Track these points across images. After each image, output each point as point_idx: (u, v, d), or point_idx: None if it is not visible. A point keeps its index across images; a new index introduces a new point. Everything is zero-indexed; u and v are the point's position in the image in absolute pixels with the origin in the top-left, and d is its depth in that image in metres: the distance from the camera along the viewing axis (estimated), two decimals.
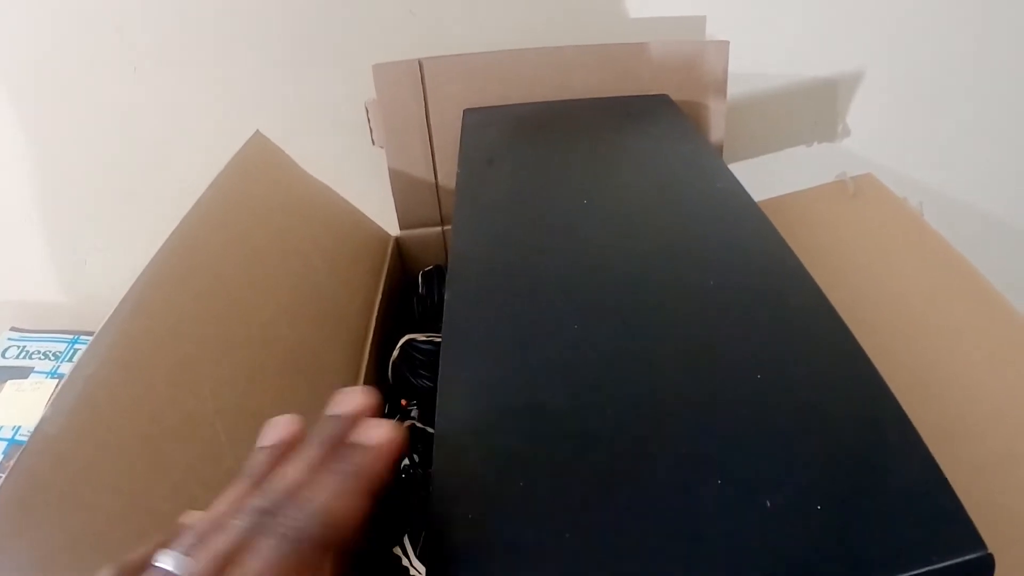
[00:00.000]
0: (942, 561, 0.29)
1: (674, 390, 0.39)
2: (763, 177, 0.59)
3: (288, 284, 0.63)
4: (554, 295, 0.47)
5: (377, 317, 0.70)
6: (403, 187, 0.81)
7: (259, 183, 0.69)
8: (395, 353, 0.67)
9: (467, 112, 0.75)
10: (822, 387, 0.39)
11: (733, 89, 0.80)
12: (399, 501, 0.60)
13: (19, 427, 0.84)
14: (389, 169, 0.80)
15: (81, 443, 0.42)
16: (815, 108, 0.96)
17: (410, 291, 0.82)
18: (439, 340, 0.68)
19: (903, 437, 0.35)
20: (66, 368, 0.91)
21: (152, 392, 0.47)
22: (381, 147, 0.80)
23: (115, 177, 0.93)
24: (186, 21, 0.83)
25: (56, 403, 0.42)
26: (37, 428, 0.40)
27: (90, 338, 0.89)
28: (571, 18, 0.84)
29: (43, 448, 0.40)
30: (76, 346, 0.94)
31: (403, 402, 0.65)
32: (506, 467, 0.35)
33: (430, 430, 0.66)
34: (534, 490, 0.34)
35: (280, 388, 0.56)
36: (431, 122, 0.78)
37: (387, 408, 0.68)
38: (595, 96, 0.77)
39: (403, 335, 0.71)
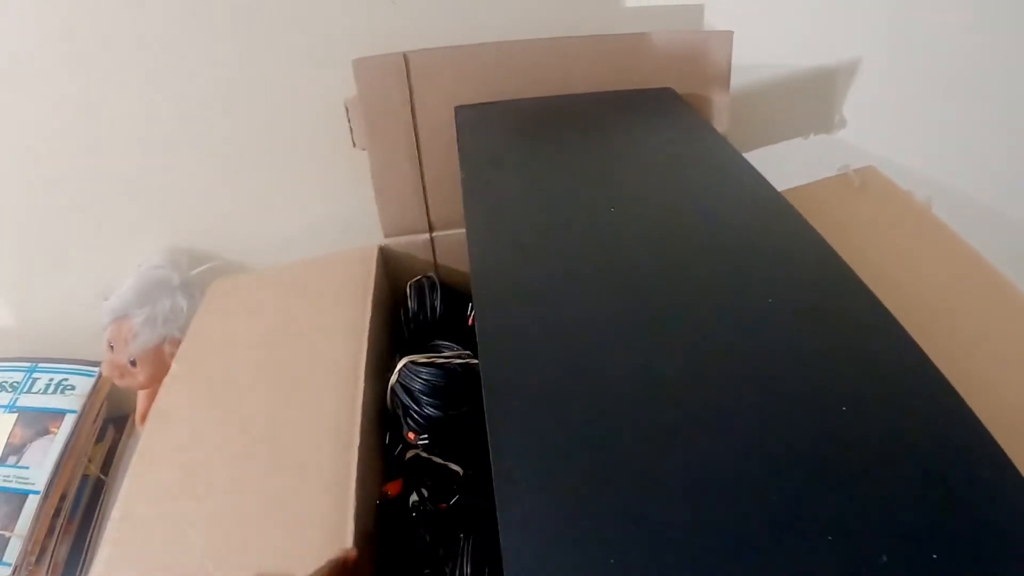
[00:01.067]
0: None
1: (723, 395, 0.36)
2: (763, 171, 0.56)
3: (267, 373, 0.62)
4: (600, 317, 0.42)
5: (368, 338, 0.64)
6: (387, 192, 0.75)
7: (225, 328, 0.69)
8: (393, 376, 0.62)
9: (459, 110, 0.70)
10: (907, 417, 0.35)
11: (732, 80, 0.76)
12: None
13: None
14: (372, 172, 0.74)
15: None
16: (813, 99, 0.93)
17: (399, 303, 0.76)
18: (442, 362, 0.63)
19: (999, 471, 0.32)
20: (25, 400, 0.84)
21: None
22: (363, 149, 0.74)
23: (67, 195, 0.85)
24: (140, 17, 0.76)
25: None
26: None
27: (48, 364, 0.84)
28: (564, 6, 0.79)
29: None
30: (34, 375, 0.87)
31: (411, 436, 0.59)
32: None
33: (437, 460, 0.61)
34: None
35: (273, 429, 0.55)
36: (417, 121, 0.72)
37: (387, 438, 0.63)
38: (594, 90, 0.72)
39: (396, 352, 0.66)
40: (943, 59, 0.92)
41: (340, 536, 0.48)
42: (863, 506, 0.30)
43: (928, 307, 0.60)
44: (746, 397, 0.36)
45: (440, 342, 0.66)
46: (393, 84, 0.70)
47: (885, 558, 0.28)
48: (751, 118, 0.89)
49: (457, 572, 0.52)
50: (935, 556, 0.28)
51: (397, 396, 0.62)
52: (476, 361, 0.61)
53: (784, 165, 0.64)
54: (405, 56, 0.69)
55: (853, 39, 0.90)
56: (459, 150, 0.64)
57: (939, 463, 0.32)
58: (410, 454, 0.61)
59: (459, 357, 0.63)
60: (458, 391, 0.61)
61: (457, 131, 0.67)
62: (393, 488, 0.58)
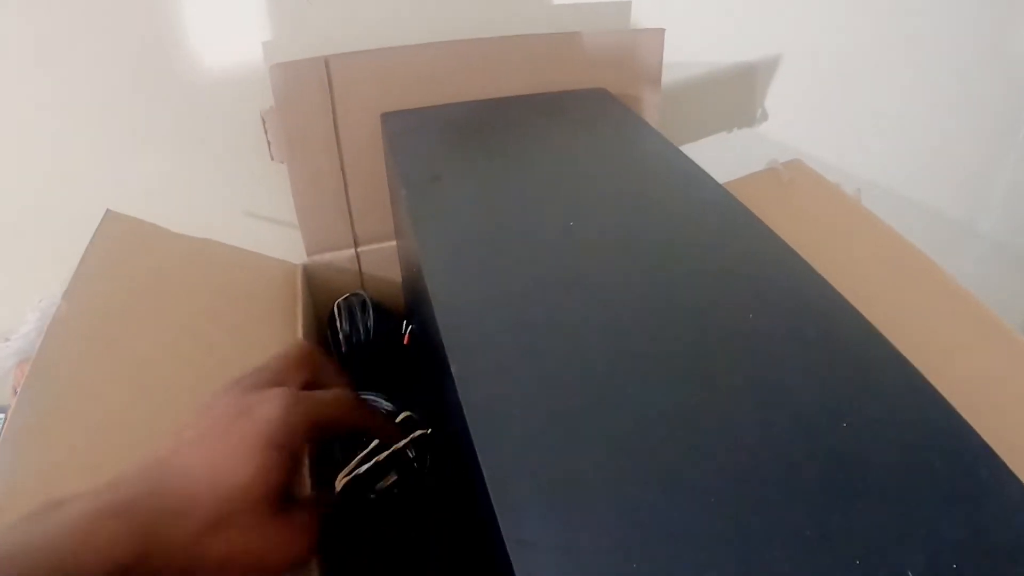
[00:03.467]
0: None
1: (770, 455, 0.33)
2: None
3: (184, 375, 0.52)
4: (578, 347, 0.38)
5: None
6: (309, 206, 0.69)
7: (121, 271, 0.57)
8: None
9: (386, 117, 0.65)
10: (907, 430, 0.34)
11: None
12: None
13: None
14: (292, 187, 0.68)
15: None
16: (736, 95, 0.93)
17: (324, 325, 0.71)
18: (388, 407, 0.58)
19: (999, 477, 0.32)
20: None
21: None
22: (282, 162, 0.68)
23: None
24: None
25: None
26: None
27: None
28: (491, 5, 0.75)
29: None
30: None
31: None
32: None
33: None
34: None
35: None
36: (339, 130, 0.67)
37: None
38: (525, 91, 0.69)
39: None
40: (861, 52, 0.94)
41: None
42: (880, 522, 0.29)
43: (858, 294, 0.61)
44: (738, 405, 0.35)
45: (376, 404, 0.59)
46: (313, 91, 0.65)
47: (911, 574, 0.27)
48: (678, 114, 0.88)
49: None
50: (954, 566, 0.28)
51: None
52: (421, 433, 0.56)
53: (712, 160, 0.62)
54: (326, 61, 0.64)
55: (774, 34, 0.90)
56: (391, 162, 0.59)
57: (947, 476, 0.32)
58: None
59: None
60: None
61: (386, 141, 0.62)
62: None
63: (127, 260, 0.58)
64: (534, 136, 0.62)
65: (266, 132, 0.66)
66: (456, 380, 0.36)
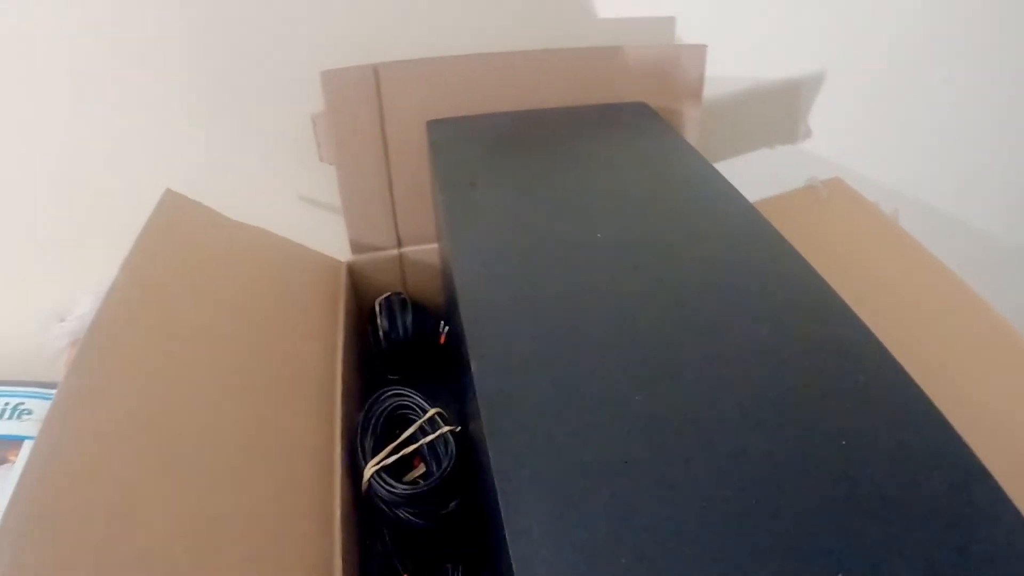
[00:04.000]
0: None
1: (707, 401, 0.36)
2: (730, 181, 0.56)
3: (232, 352, 0.54)
4: (578, 316, 0.42)
5: (343, 362, 0.61)
6: (355, 207, 0.72)
7: (178, 251, 0.58)
8: (364, 485, 0.56)
9: (431, 124, 0.67)
10: (908, 453, 0.35)
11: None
12: None
13: None
14: (340, 188, 0.71)
15: None
16: (779, 112, 0.94)
17: (366, 321, 0.73)
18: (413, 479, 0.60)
19: (993, 498, 0.33)
20: None
21: (87, 539, 0.37)
22: (330, 164, 0.71)
23: (22, 214, 0.80)
24: (103, 29, 0.72)
25: None
26: None
27: (5, 388, 0.79)
28: (537, 18, 0.77)
29: None
30: None
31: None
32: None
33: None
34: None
35: (241, 482, 0.47)
36: (387, 135, 0.69)
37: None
38: (565, 103, 0.71)
39: (371, 380, 0.63)
40: (906, 71, 0.94)
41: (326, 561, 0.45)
42: (872, 542, 0.31)
43: (888, 315, 0.61)
44: (744, 422, 0.36)
45: (407, 401, 0.61)
46: (362, 97, 0.68)
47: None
48: (718, 129, 0.89)
49: None
50: None
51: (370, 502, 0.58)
52: (449, 429, 0.58)
53: (751, 176, 0.64)
54: (375, 68, 0.67)
55: (818, 52, 0.91)
56: (433, 168, 0.62)
57: (939, 495, 0.33)
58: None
59: (431, 425, 0.59)
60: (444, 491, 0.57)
61: (430, 147, 0.65)
62: None
63: (183, 239, 0.60)
64: (571, 147, 0.64)
65: (316, 135, 0.69)
66: (474, 374, 0.38)
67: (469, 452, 0.54)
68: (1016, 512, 0.32)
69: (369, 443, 0.58)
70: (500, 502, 0.31)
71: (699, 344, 0.41)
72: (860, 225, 0.75)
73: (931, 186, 1.04)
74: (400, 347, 0.71)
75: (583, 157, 0.63)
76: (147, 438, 0.44)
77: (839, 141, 0.97)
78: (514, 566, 0.29)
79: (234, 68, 0.75)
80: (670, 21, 0.81)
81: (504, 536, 0.30)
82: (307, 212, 0.84)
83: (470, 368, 0.39)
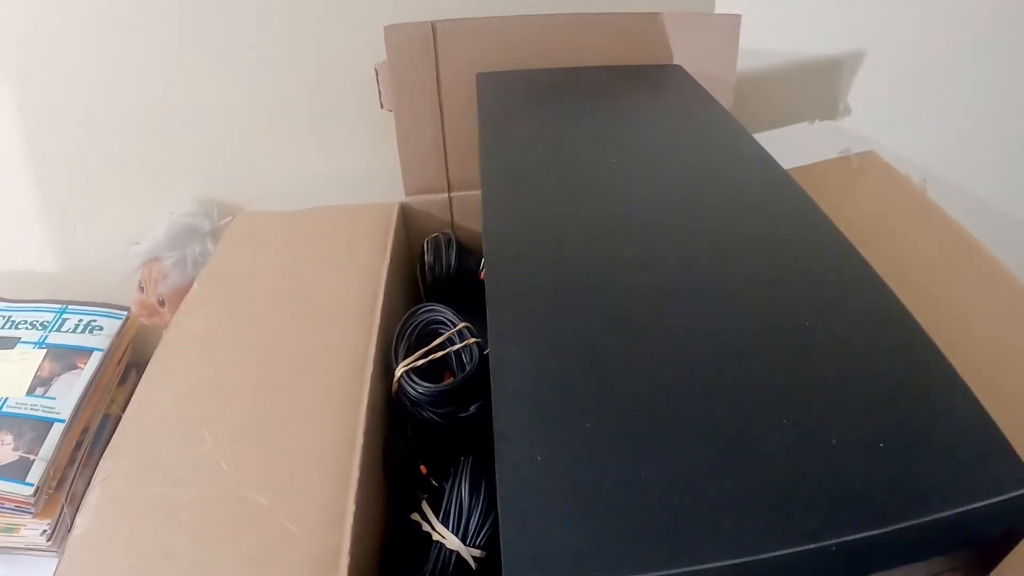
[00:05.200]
0: (999, 495, 0.30)
1: (732, 339, 0.39)
2: None
3: (286, 304, 0.66)
4: (597, 251, 0.47)
5: (386, 284, 0.68)
6: (410, 152, 0.80)
7: (246, 258, 0.73)
8: (394, 386, 0.63)
9: (480, 76, 0.74)
10: (870, 336, 0.39)
11: (740, 63, 0.80)
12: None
13: (6, 398, 0.82)
14: (397, 133, 0.79)
15: (110, 515, 0.48)
16: (818, 85, 0.97)
17: (416, 259, 0.81)
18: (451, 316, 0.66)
19: (950, 383, 0.36)
20: (54, 337, 0.89)
21: (162, 461, 0.52)
22: (390, 110, 0.78)
23: (103, 139, 0.91)
24: None
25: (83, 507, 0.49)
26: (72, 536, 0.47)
27: (78, 306, 0.88)
28: None
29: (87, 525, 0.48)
30: (64, 316, 0.91)
31: (423, 469, 0.60)
32: (571, 415, 0.35)
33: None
34: (599, 432, 0.34)
35: (284, 390, 0.57)
36: (441, 86, 0.77)
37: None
38: (606, 63, 0.77)
39: (411, 305, 0.69)
40: (944, 49, 0.97)
41: (349, 446, 0.52)
42: (820, 402, 0.35)
43: (912, 280, 0.62)
44: (723, 306, 0.41)
45: (440, 316, 0.68)
46: (420, 51, 0.75)
47: (835, 441, 0.32)
48: (757, 101, 0.94)
49: (455, 492, 0.56)
50: (881, 445, 0.32)
51: (398, 403, 0.64)
52: (475, 340, 0.64)
53: (786, 147, 0.67)
54: (433, 25, 0.74)
55: (859, 28, 0.94)
56: (478, 112, 0.69)
57: (897, 375, 0.36)
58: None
59: (460, 337, 0.65)
60: (466, 393, 0.63)
61: (478, 95, 0.72)
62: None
63: (252, 243, 0.74)
64: (604, 98, 0.70)
65: (378, 83, 0.77)
66: (488, 285, 0.45)
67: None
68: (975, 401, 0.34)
69: (403, 348, 0.65)
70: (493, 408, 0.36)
71: (697, 259, 0.46)
72: (887, 193, 0.78)
73: (965, 166, 1.05)
74: (443, 281, 0.77)
75: (615, 108, 0.68)
76: (208, 385, 0.58)
77: (875, 117, 0.99)
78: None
79: (309, 17, 0.83)
80: None
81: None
82: (367, 156, 0.92)
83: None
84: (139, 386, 0.58)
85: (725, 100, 0.80)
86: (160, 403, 0.57)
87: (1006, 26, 0.95)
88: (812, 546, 0.28)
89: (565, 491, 0.31)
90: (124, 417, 0.55)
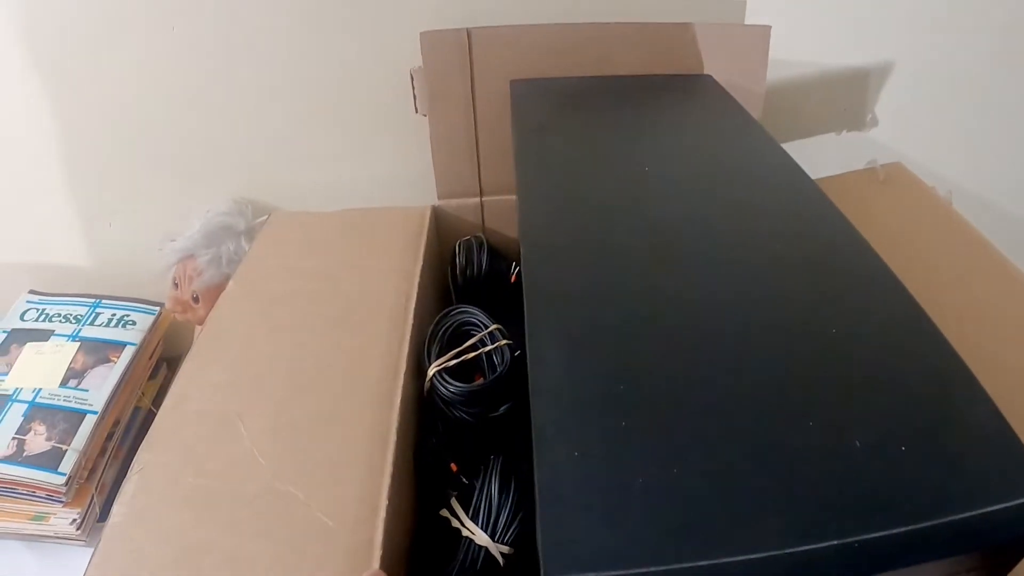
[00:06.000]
0: (1017, 499, 0.31)
1: (763, 346, 0.40)
2: None
3: (320, 303, 0.68)
4: (632, 257, 0.48)
5: (419, 285, 0.69)
6: (444, 156, 0.82)
7: (281, 256, 0.75)
8: (426, 385, 0.65)
9: (514, 83, 0.76)
10: (894, 343, 0.40)
11: (770, 73, 0.81)
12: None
13: (39, 389, 0.83)
14: (431, 137, 0.81)
15: (143, 508, 0.50)
16: (846, 97, 0.98)
17: (447, 262, 0.82)
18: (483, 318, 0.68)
19: (971, 390, 0.37)
20: (87, 331, 0.91)
21: (197, 452, 0.53)
22: (424, 115, 0.80)
23: (140, 138, 0.92)
24: None
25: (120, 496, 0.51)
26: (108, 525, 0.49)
27: (112, 301, 0.90)
28: None
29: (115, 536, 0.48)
30: (97, 310, 0.93)
31: (453, 467, 0.62)
32: (608, 415, 0.36)
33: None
34: (634, 431, 0.35)
35: (319, 386, 0.59)
36: (475, 92, 0.78)
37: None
38: (637, 73, 0.78)
39: (442, 307, 0.71)
40: (971, 62, 0.97)
41: (382, 444, 0.53)
42: (844, 405, 0.36)
43: (936, 293, 0.62)
44: (751, 312, 0.43)
45: (472, 318, 0.69)
46: (455, 57, 0.76)
47: (858, 443, 0.33)
48: (786, 111, 0.94)
49: (485, 489, 0.57)
50: (903, 448, 0.33)
51: (431, 402, 0.66)
52: (506, 343, 0.66)
53: (813, 157, 0.68)
54: (468, 32, 0.76)
55: (889, 41, 0.95)
56: (512, 119, 0.70)
57: (919, 381, 0.38)
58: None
59: (491, 339, 0.66)
60: (496, 394, 0.64)
61: (512, 102, 0.73)
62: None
63: (287, 242, 0.76)
64: (635, 106, 0.72)
65: (413, 87, 0.78)
66: (525, 286, 0.46)
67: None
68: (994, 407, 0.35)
69: (435, 350, 0.66)
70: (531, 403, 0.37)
71: (726, 265, 0.47)
72: (914, 206, 0.79)
73: (991, 179, 1.05)
74: (474, 283, 0.79)
75: (647, 117, 0.70)
76: (243, 380, 0.59)
77: (902, 129, 1.00)
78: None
79: (346, 22, 0.86)
80: (740, 3, 0.87)
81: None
82: (400, 159, 0.94)
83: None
84: (176, 379, 0.60)
85: (755, 110, 0.81)
86: (197, 397, 0.58)
87: None
88: (836, 543, 0.29)
89: (601, 488, 0.32)
90: (161, 409, 0.56)
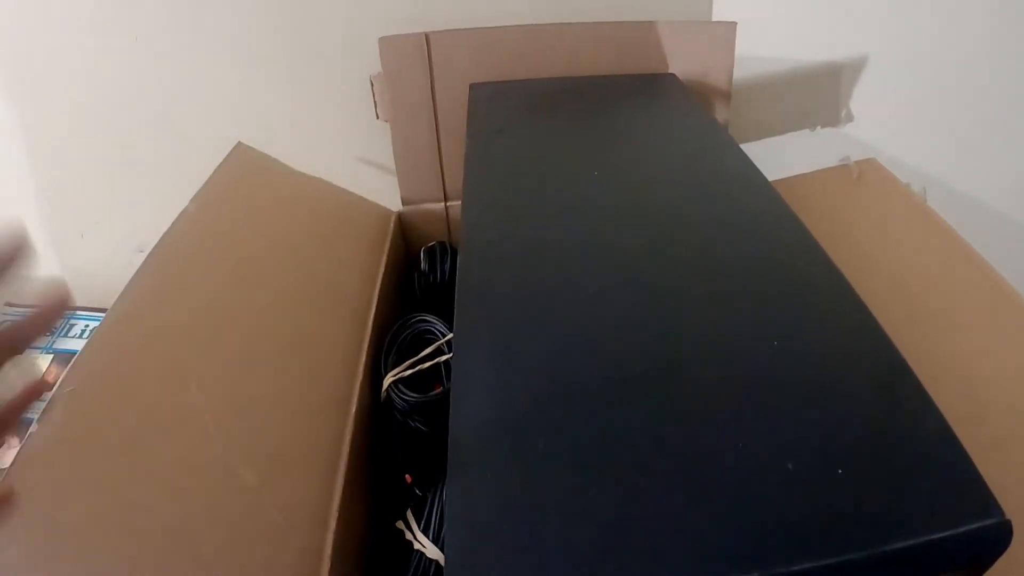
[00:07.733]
0: (961, 526, 0.30)
1: (695, 358, 0.39)
2: (765, 160, 0.59)
3: (281, 273, 0.63)
4: (569, 267, 0.46)
5: (379, 292, 0.69)
6: (407, 162, 0.81)
7: (244, 190, 0.68)
8: (382, 395, 0.64)
9: (473, 87, 0.75)
10: (839, 355, 0.39)
11: (736, 71, 0.80)
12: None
13: None
14: (393, 144, 0.80)
15: (67, 448, 0.42)
16: (819, 93, 0.96)
17: (412, 268, 0.81)
18: (438, 325, 0.67)
19: (920, 406, 0.35)
20: (61, 343, 0.90)
21: (139, 393, 0.47)
22: (386, 121, 0.79)
23: (111, 149, 0.92)
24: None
25: (43, 417, 0.42)
26: (24, 443, 0.40)
27: (85, 312, 0.89)
28: None
29: (30, 458, 0.40)
30: (71, 322, 0.93)
31: (408, 478, 0.61)
32: (525, 434, 0.35)
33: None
34: (551, 454, 0.34)
35: (276, 372, 0.55)
36: (436, 97, 0.77)
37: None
38: (601, 73, 0.77)
39: (406, 314, 0.70)
40: (945, 57, 0.95)
41: (336, 449, 0.53)
42: (779, 423, 0.34)
43: (909, 291, 0.62)
44: (687, 323, 0.41)
45: (431, 326, 0.68)
46: (415, 62, 0.75)
47: (791, 466, 0.32)
48: (757, 107, 0.93)
49: (438, 502, 0.56)
50: (840, 471, 0.31)
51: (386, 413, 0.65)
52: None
53: (786, 154, 0.67)
54: (427, 36, 0.75)
55: (859, 35, 0.94)
56: (468, 122, 0.69)
57: (864, 397, 0.36)
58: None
59: (450, 347, 0.65)
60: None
61: (469, 105, 0.72)
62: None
63: (248, 182, 0.69)
64: (595, 108, 0.70)
65: (374, 94, 0.77)
66: (457, 294, 0.46)
67: None
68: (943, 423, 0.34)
69: (392, 359, 0.66)
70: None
71: (669, 274, 0.46)
72: (886, 204, 0.77)
73: (966, 175, 1.03)
74: (437, 289, 0.78)
75: (604, 119, 0.68)
76: (198, 330, 0.53)
77: (875, 124, 0.98)
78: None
79: (304, 30, 0.85)
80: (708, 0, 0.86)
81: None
82: (364, 166, 0.93)
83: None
84: (122, 294, 0.52)
85: (721, 107, 0.80)
86: (143, 327, 0.51)
87: (1007, 33, 0.94)
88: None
89: (512, 513, 0.31)
90: (97, 330, 0.48)
